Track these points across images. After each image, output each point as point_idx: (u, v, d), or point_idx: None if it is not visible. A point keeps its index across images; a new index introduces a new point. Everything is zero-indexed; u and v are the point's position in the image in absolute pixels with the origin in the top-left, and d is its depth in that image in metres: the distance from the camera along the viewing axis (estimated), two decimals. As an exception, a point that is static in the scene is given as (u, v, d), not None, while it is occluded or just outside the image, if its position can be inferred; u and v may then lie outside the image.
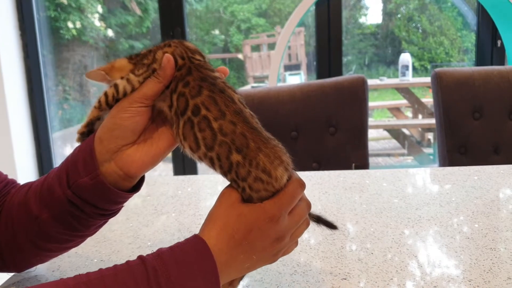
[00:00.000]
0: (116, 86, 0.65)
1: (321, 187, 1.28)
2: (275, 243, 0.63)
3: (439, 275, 0.78)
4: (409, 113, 5.45)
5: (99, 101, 0.67)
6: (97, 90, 4.86)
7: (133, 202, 1.21)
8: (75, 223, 0.71)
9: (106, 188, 0.66)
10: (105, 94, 0.66)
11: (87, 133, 0.70)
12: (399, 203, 1.13)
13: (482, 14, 3.22)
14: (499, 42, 3.18)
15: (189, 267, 0.58)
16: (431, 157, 4.48)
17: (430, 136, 4.86)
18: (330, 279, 0.79)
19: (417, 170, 1.44)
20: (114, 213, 0.74)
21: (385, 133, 4.95)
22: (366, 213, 1.07)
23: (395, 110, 5.38)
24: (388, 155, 5.16)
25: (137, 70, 0.66)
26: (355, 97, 1.77)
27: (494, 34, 3.20)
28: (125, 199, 0.71)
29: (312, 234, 0.97)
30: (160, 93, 0.65)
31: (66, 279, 0.56)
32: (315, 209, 1.10)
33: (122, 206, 0.75)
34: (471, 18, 4.03)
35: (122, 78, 0.66)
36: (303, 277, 0.80)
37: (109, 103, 0.66)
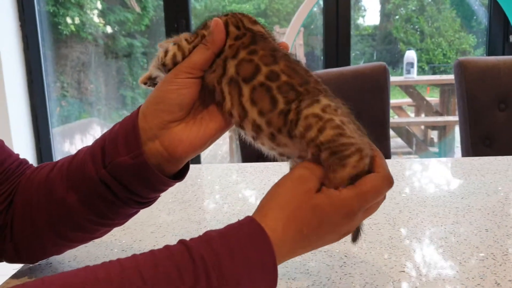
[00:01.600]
0: (166, 51, 0.58)
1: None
2: (342, 237, 0.55)
3: (501, 266, 0.70)
4: (410, 112, 5.39)
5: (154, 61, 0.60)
6: (94, 87, 4.77)
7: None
8: (105, 209, 0.61)
9: (148, 171, 0.57)
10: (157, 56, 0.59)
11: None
12: (442, 192, 1.04)
13: (494, 9, 3.15)
14: (511, 38, 3.11)
15: (245, 260, 0.48)
16: (437, 155, 4.41)
17: (433, 135, 4.78)
18: (386, 272, 0.70)
19: (451, 159, 1.35)
20: (149, 202, 0.64)
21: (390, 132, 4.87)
22: (409, 202, 0.98)
23: (397, 109, 5.32)
24: (393, 153, 5.08)
25: (190, 37, 0.58)
26: (377, 86, 1.68)
27: (506, 29, 3.12)
28: (166, 186, 0.62)
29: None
30: (211, 63, 0.57)
31: (94, 267, 0.46)
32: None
33: (159, 196, 0.65)
34: (481, 14, 3.96)
35: (174, 44, 0.58)
36: (354, 269, 0.71)
37: (157, 66, 0.59)
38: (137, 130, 0.57)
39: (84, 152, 0.62)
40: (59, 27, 4.30)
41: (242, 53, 0.56)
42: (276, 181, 0.54)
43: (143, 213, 0.97)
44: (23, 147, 3.07)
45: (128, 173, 0.57)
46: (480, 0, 3.89)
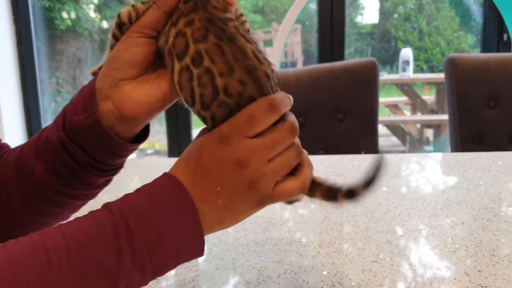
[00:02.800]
0: (119, 13, 0.57)
1: (334, 170, 1.19)
2: (236, 168, 0.50)
3: (481, 259, 0.70)
4: (406, 111, 5.39)
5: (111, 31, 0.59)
6: (91, 83, 4.76)
7: (132, 185, 1.12)
8: (69, 177, 0.61)
9: (102, 132, 0.57)
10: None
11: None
12: (423, 186, 1.04)
13: (489, 8, 3.15)
14: (505, 36, 3.11)
15: (158, 200, 0.49)
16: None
17: (429, 133, 4.79)
18: (358, 261, 0.70)
19: (436, 155, 1.35)
20: (111, 170, 0.64)
21: (382, 131, 4.88)
22: (388, 196, 0.98)
23: (393, 107, 5.32)
24: (387, 152, 5.08)
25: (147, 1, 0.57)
26: (366, 82, 1.68)
27: (501, 27, 3.12)
28: (124, 151, 0.61)
29: (332, 215, 0.88)
30: (163, 24, 0.56)
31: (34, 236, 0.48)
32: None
33: (122, 165, 0.64)
34: (477, 12, 3.97)
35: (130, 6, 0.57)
36: (326, 258, 0.71)
37: (113, 32, 0.58)
38: (93, 91, 0.57)
39: (50, 126, 0.63)
40: (55, 22, 4.29)
41: (181, 23, 0.53)
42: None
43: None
44: (15, 142, 3.05)
45: (83, 133, 0.57)
46: (475, -1, 3.89)
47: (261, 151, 0.50)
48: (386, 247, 0.75)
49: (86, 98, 0.58)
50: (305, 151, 0.55)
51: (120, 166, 0.65)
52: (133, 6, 0.56)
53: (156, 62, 0.58)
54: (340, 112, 1.71)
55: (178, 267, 0.49)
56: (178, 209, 0.49)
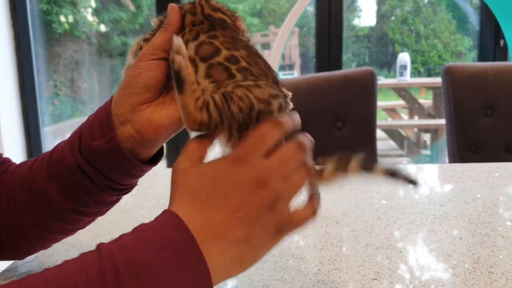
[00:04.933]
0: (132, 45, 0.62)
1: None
2: (256, 188, 0.48)
3: (478, 274, 0.71)
4: (403, 115, 5.41)
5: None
6: (88, 86, 4.77)
7: (134, 194, 1.13)
8: (84, 197, 0.62)
9: (121, 154, 0.58)
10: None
11: None
12: (421, 199, 1.06)
13: (485, 13, 3.17)
14: (502, 42, 3.13)
15: (156, 241, 0.44)
16: (428, 158, 4.43)
17: (426, 137, 4.80)
18: (359, 279, 0.71)
19: (433, 166, 1.37)
20: (127, 189, 0.65)
21: (380, 135, 4.90)
22: (387, 209, 0.99)
23: (391, 111, 5.33)
24: (384, 156, 5.10)
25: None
26: (364, 90, 1.70)
27: (497, 33, 3.14)
28: (140, 172, 0.63)
29: (332, 230, 0.89)
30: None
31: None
32: (331, 207, 1.03)
33: (136, 183, 0.66)
34: (473, 17, 3.98)
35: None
36: (327, 276, 0.72)
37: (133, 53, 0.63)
38: (110, 116, 0.59)
39: (63, 144, 0.64)
40: (53, 25, 4.30)
41: (203, 37, 0.56)
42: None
43: (125, 216, 0.99)
44: (13, 146, 3.06)
45: (102, 157, 0.59)
46: (472, 4, 3.91)
47: (277, 167, 0.49)
48: (385, 265, 0.76)
49: (103, 122, 0.59)
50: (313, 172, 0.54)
51: (134, 185, 0.66)
52: (144, 37, 0.61)
53: (168, 85, 0.60)
54: (338, 121, 1.72)
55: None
56: (176, 247, 0.44)
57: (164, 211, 0.48)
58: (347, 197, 1.07)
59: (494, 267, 0.73)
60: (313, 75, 1.78)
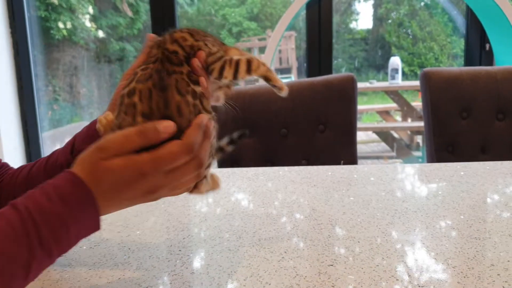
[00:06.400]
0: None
1: (309, 181, 1.29)
2: (148, 194, 0.62)
3: (425, 261, 0.79)
4: (398, 117, 5.49)
5: None
6: (87, 91, 4.85)
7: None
8: None
9: None
10: None
11: None
12: (386, 196, 1.14)
13: (471, 18, 3.26)
14: (487, 46, 3.21)
15: (60, 195, 0.57)
16: (420, 160, 4.51)
17: (419, 139, 4.89)
18: (317, 265, 0.80)
19: (404, 166, 1.45)
20: None
21: (374, 137, 4.99)
22: (354, 205, 1.08)
23: (384, 113, 5.42)
24: (377, 157, 5.19)
25: None
26: (344, 95, 1.79)
27: (483, 38, 3.23)
28: None
29: (300, 223, 0.98)
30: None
31: None
32: (303, 203, 1.11)
33: None
34: (460, 22, 4.07)
35: None
36: (289, 262, 0.81)
37: None
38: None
39: (59, 150, 0.73)
40: (51, 31, 4.38)
41: (142, 67, 0.66)
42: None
43: (112, 214, 1.07)
44: (12, 151, 3.15)
45: None
46: (459, 9, 3.99)
47: (170, 182, 0.61)
48: (341, 253, 0.84)
49: (94, 130, 0.69)
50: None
51: None
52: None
53: None
54: (321, 124, 1.81)
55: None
56: (80, 203, 0.57)
57: (65, 171, 0.59)
58: (319, 194, 1.16)
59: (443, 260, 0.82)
60: (297, 80, 1.87)
